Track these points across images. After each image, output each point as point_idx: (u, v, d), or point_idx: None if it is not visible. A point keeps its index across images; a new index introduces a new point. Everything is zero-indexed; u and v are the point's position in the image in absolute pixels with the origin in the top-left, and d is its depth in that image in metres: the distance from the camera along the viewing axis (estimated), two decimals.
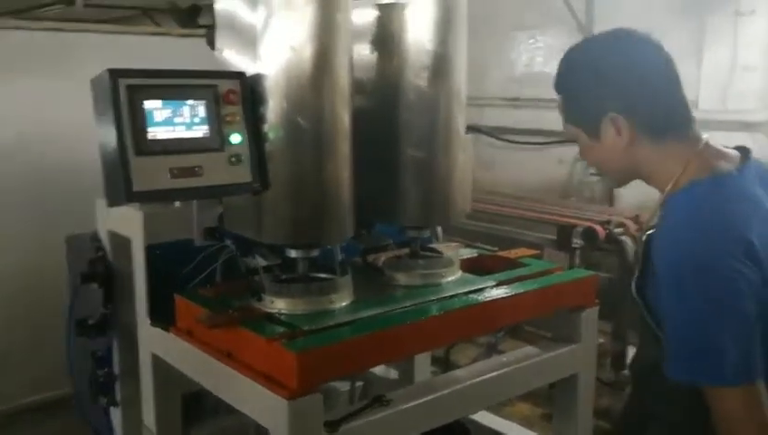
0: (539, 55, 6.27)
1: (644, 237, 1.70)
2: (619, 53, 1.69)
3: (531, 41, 6.36)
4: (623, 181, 1.81)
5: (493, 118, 6.68)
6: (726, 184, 1.61)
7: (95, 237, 2.43)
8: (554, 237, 4.08)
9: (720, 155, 1.66)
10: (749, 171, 1.65)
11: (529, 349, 2.16)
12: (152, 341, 2.13)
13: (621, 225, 4.05)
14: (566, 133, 1.78)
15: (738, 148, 1.71)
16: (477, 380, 1.95)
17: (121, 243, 2.25)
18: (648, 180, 1.74)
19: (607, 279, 4.13)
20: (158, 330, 2.06)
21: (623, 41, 1.71)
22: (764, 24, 4.56)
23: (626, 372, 4.30)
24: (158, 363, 2.13)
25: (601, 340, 4.01)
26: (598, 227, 3.95)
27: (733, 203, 1.58)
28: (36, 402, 3.42)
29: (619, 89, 1.65)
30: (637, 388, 1.91)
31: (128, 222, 2.15)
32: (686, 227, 1.56)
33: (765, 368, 1.52)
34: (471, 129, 2.35)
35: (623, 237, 3.95)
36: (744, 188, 1.61)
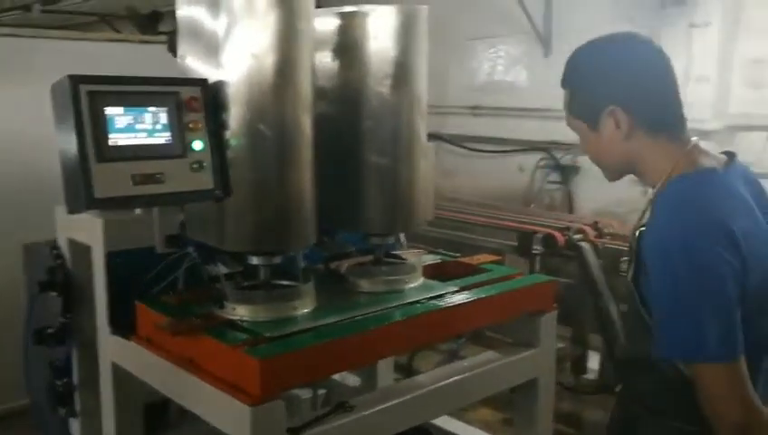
0: (499, 64, 6.34)
1: (636, 234, 1.77)
2: (622, 51, 1.82)
3: (491, 50, 6.43)
4: (617, 174, 1.89)
5: (454, 126, 6.73)
6: (711, 179, 1.72)
7: (54, 245, 2.39)
8: (515, 244, 4.13)
9: (707, 155, 1.78)
10: (734, 170, 1.77)
11: (489, 354, 2.19)
12: (112, 349, 2.11)
13: (580, 231, 4.11)
14: (571, 126, 1.89)
15: (725, 152, 1.83)
16: (439, 385, 1.97)
17: (81, 251, 2.23)
18: (640, 175, 1.84)
19: (566, 285, 4.20)
20: (119, 338, 2.04)
21: (626, 42, 1.85)
22: (717, 35, 4.70)
23: (588, 376, 4.38)
24: (118, 372, 2.11)
25: (561, 345, 4.07)
26: (557, 234, 4.01)
27: (717, 195, 1.68)
28: None
29: (619, 84, 1.77)
30: (627, 384, 1.95)
31: (88, 229, 2.12)
32: (674, 214, 1.67)
33: (746, 350, 1.60)
34: (433, 137, 2.38)
35: (582, 243, 4.01)
36: (729, 183, 1.73)
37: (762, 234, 1.70)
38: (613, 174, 1.91)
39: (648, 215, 1.77)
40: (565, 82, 1.90)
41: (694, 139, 1.80)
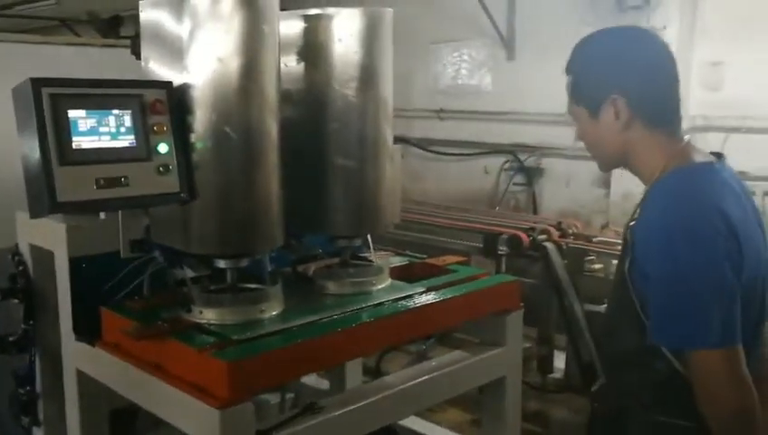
0: (464, 68, 6.40)
1: (630, 225, 1.79)
2: (629, 42, 1.86)
3: (455, 54, 6.49)
4: (611, 164, 1.92)
5: (420, 129, 6.78)
6: (705, 171, 1.77)
7: (16, 252, 2.35)
8: (481, 245, 4.17)
9: (699, 152, 1.82)
10: (724, 167, 1.82)
11: (457, 353, 2.20)
12: (77, 356, 2.08)
13: (545, 232, 4.16)
14: (571, 112, 1.90)
15: (713, 153, 1.87)
16: (407, 384, 1.99)
17: (43, 256, 2.19)
18: (632, 168, 1.86)
19: (531, 285, 4.25)
20: (83, 345, 2.01)
21: (633, 34, 1.91)
22: (676, 38, 4.80)
23: (554, 375, 4.43)
24: (83, 380, 2.09)
25: (527, 344, 4.11)
26: (522, 235, 4.06)
27: (713, 186, 1.73)
28: None
29: (625, 74, 1.79)
30: (615, 379, 1.94)
31: (50, 235, 2.09)
32: (673, 204, 1.69)
33: (742, 336, 1.63)
34: (399, 140, 2.39)
35: (547, 244, 4.06)
36: (721, 176, 1.77)
37: (750, 227, 1.75)
38: (607, 164, 1.93)
39: (639, 210, 1.79)
40: (569, 69, 1.90)
41: (686, 137, 1.84)
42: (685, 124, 5.03)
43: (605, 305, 4.14)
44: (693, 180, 1.74)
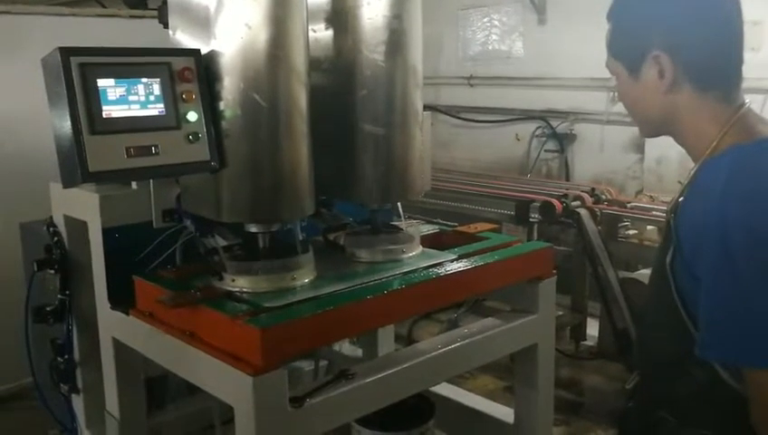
0: (494, 33, 6.30)
1: (672, 208, 1.52)
2: None
3: (485, 19, 6.39)
4: (653, 132, 1.64)
5: (449, 97, 6.71)
6: None
7: (51, 223, 2.38)
8: (512, 213, 4.14)
9: (762, 120, 1.52)
10: None
11: (489, 320, 2.19)
12: (112, 325, 2.11)
13: (578, 198, 4.12)
14: (609, 67, 1.63)
15: None
16: (439, 351, 1.98)
17: (78, 227, 2.22)
18: (678, 137, 1.58)
19: (564, 253, 4.21)
20: (118, 314, 2.04)
21: None
22: None
23: (587, 342, 4.40)
24: (119, 348, 2.12)
25: (560, 312, 4.09)
26: (555, 202, 4.02)
27: None
28: None
29: (670, 26, 1.49)
30: (652, 386, 1.69)
31: (83, 205, 2.11)
32: (728, 190, 1.39)
33: None
34: (428, 108, 2.36)
35: (580, 210, 4.02)
36: None
37: None
38: (648, 130, 1.65)
39: (687, 192, 1.50)
40: (609, 14, 1.62)
41: (747, 101, 1.52)
42: None
43: (639, 272, 4.11)
44: (756, 162, 1.42)
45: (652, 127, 1.62)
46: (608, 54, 1.62)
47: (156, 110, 1.75)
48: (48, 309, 2.36)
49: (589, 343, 4.42)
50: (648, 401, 1.68)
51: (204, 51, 1.82)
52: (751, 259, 1.34)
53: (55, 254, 2.34)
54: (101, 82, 1.68)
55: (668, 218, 1.52)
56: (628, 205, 4.21)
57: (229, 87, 1.81)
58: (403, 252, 2.14)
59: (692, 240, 1.43)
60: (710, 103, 1.50)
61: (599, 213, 4.08)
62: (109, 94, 1.69)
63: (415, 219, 2.53)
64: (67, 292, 2.35)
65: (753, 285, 1.34)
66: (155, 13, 2.15)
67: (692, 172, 1.51)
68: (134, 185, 2.06)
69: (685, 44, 1.48)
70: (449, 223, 2.61)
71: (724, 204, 1.37)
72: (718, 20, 1.49)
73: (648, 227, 4.21)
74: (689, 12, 1.49)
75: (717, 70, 1.50)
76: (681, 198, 1.50)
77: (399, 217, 2.34)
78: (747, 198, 1.36)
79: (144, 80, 1.74)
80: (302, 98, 1.87)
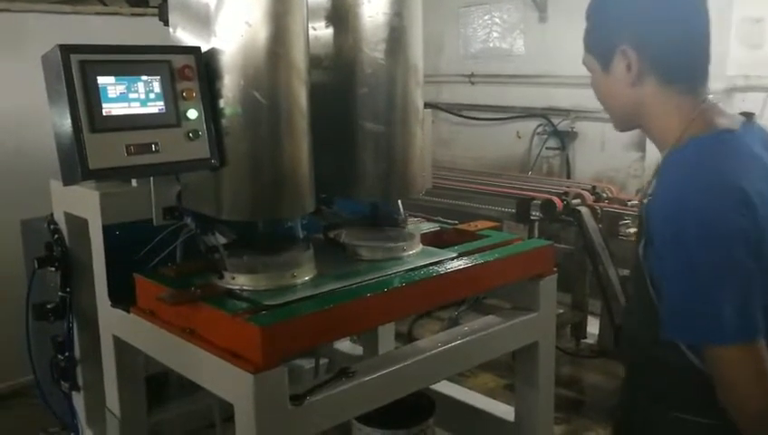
0: (495, 31, 6.29)
1: (644, 202, 1.63)
2: None
3: (486, 16, 6.38)
4: (624, 124, 1.74)
5: (450, 95, 6.70)
6: (727, 141, 1.56)
7: (51, 220, 2.38)
8: (513, 211, 4.13)
9: (723, 115, 1.61)
10: (752, 132, 1.62)
11: (490, 318, 2.19)
12: (113, 322, 2.11)
13: (578, 196, 4.11)
14: (586, 62, 1.74)
15: (743, 113, 1.67)
16: (440, 349, 1.98)
17: (78, 224, 2.22)
18: (646, 130, 1.69)
19: (565, 251, 4.21)
20: (119, 311, 2.04)
21: None
22: None
23: (588, 340, 4.41)
24: (119, 345, 2.12)
25: (561, 310, 4.09)
26: (556, 199, 4.01)
27: (732, 159, 1.53)
28: None
29: (637, 23, 1.62)
30: (631, 370, 1.81)
31: (84, 203, 2.11)
32: (686, 183, 1.50)
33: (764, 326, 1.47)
34: (428, 105, 2.36)
35: (581, 208, 4.01)
36: (745, 145, 1.57)
37: None
38: (619, 123, 1.75)
39: (654, 182, 1.60)
40: (587, 14, 1.74)
41: (710, 96, 1.62)
42: (723, 84, 4.87)
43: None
44: (711, 154, 1.53)
45: (623, 119, 1.72)
46: (584, 51, 1.73)
47: (156, 107, 1.75)
48: (49, 306, 2.36)
49: (589, 341, 4.43)
50: (631, 388, 1.77)
51: (204, 48, 1.82)
52: (703, 250, 1.44)
53: (56, 251, 2.34)
54: (102, 80, 1.68)
55: (640, 211, 1.64)
56: (629, 203, 4.20)
57: (229, 85, 1.81)
58: (404, 250, 2.14)
59: (657, 228, 1.52)
60: (674, 96, 1.60)
61: (599, 211, 4.07)
62: (109, 92, 1.69)
63: (415, 217, 2.53)
64: (68, 289, 2.35)
65: (706, 274, 1.45)
66: (156, 10, 2.15)
67: (659, 166, 1.61)
68: (134, 182, 2.06)
69: (650, 40, 1.59)
70: (450, 221, 2.61)
71: (681, 193, 1.48)
72: (680, 19, 1.60)
73: None
74: (654, 10, 1.60)
75: (681, 64, 1.60)
76: (650, 190, 1.60)
77: (400, 214, 2.34)
78: (702, 191, 1.46)
79: (144, 77, 1.74)
80: (302, 95, 1.87)
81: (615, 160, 5.61)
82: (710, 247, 1.44)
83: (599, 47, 1.68)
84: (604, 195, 4.27)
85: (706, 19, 1.62)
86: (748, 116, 1.65)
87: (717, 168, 1.50)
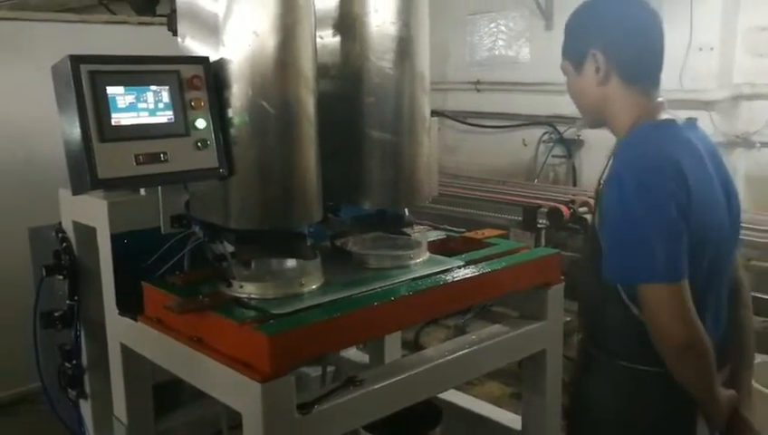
0: (501, 39, 6.30)
1: (600, 184, 1.93)
2: (617, 3, 2.00)
3: (492, 24, 6.39)
4: (593, 121, 2.05)
5: (456, 102, 6.72)
6: (669, 126, 1.91)
7: (59, 229, 2.39)
8: (520, 218, 4.13)
9: (667, 112, 1.94)
10: (692, 128, 1.95)
11: (497, 327, 2.19)
12: (120, 331, 2.12)
13: (585, 204, 4.11)
14: (563, 67, 2.05)
15: (688, 119, 1.98)
16: (447, 358, 1.98)
17: (86, 233, 2.23)
18: (609, 124, 2.00)
19: (572, 259, 4.20)
20: (127, 319, 2.04)
21: None
22: (720, 3, 4.65)
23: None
24: (127, 354, 2.12)
25: (568, 318, 4.08)
26: (562, 207, 4.01)
27: (671, 139, 1.86)
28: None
29: (605, 30, 1.94)
30: (583, 325, 2.14)
31: (92, 211, 2.12)
32: (632, 154, 1.84)
33: (691, 277, 1.74)
34: (435, 113, 2.37)
35: (588, 216, 4.01)
36: (683, 133, 1.90)
37: (707, 185, 1.84)
38: (589, 119, 2.06)
39: (610, 162, 1.90)
40: (566, 25, 2.06)
41: (660, 99, 1.96)
42: (730, 92, 4.90)
43: None
44: (655, 135, 1.86)
45: (592, 115, 2.04)
46: (561, 58, 2.04)
47: (165, 117, 1.76)
48: (56, 314, 2.36)
49: None
50: (583, 344, 2.10)
51: (212, 58, 1.83)
52: (640, 203, 1.74)
53: (64, 259, 2.34)
54: (111, 90, 1.69)
55: (597, 188, 1.97)
56: None
57: (237, 94, 1.82)
58: (411, 258, 2.14)
59: (608, 195, 1.82)
60: (633, 95, 1.93)
61: None
62: (118, 102, 1.69)
63: (422, 225, 2.53)
64: (75, 297, 2.35)
65: (640, 219, 1.74)
66: (163, 20, 2.16)
67: (613, 149, 1.95)
68: (143, 191, 2.07)
69: (616, 46, 1.92)
70: (456, 229, 2.61)
71: (626, 164, 1.82)
72: (642, 31, 1.94)
73: None
74: (621, 21, 1.94)
75: (640, 67, 1.94)
76: (606, 170, 1.91)
77: (407, 222, 2.34)
78: (639, 157, 1.81)
79: (153, 87, 1.75)
80: (310, 104, 1.88)
81: None
82: (645, 202, 1.73)
83: (573, 52, 2.00)
84: None
85: (662, 34, 1.95)
86: (691, 120, 1.99)
87: (658, 144, 1.83)
